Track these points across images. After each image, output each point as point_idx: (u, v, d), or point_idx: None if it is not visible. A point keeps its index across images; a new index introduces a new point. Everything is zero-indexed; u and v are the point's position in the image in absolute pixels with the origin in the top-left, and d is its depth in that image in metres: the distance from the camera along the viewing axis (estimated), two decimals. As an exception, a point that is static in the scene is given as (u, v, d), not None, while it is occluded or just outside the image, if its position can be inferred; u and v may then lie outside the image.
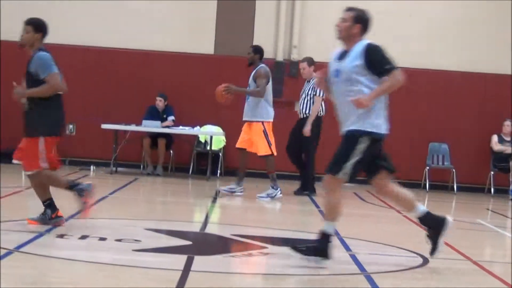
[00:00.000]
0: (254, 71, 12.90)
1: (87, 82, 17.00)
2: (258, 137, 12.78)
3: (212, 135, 16.47)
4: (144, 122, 16.13)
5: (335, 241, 7.63)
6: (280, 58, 17.27)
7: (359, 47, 7.29)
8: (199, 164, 16.87)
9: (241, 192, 12.98)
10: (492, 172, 16.79)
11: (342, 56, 7.40)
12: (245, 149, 12.94)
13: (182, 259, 7.16)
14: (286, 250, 7.64)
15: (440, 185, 17.02)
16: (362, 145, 7.24)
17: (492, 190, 16.68)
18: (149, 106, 16.68)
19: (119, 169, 16.42)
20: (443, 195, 16.23)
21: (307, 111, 13.64)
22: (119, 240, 7.96)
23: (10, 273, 6.17)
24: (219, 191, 13.27)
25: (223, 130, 16.60)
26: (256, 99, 12.72)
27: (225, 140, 16.75)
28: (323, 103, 13.61)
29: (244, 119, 12.92)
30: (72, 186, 8.50)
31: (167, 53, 17.13)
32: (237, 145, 13.01)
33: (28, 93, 8.37)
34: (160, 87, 16.84)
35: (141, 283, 6.27)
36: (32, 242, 7.54)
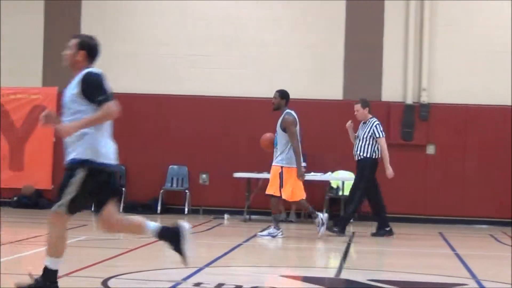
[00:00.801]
0: (281, 118, 13.06)
1: (219, 133, 17.37)
2: (273, 177, 12.97)
3: (344, 181, 16.50)
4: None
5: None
6: (409, 101, 17.20)
7: (79, 76, 6.87)
8: (332, 209, 16.89)
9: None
10: None
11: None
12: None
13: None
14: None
15: None
16: (79, 176, 6.74)
17: None
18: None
19: (253, 216, 16.61)
20: None
21: (362, 154, 13.56)
22: (256, 288, 8.06)
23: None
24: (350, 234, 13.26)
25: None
26: (283, 146, 12.90)
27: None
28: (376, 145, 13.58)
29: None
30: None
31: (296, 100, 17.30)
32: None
33: None
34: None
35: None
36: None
